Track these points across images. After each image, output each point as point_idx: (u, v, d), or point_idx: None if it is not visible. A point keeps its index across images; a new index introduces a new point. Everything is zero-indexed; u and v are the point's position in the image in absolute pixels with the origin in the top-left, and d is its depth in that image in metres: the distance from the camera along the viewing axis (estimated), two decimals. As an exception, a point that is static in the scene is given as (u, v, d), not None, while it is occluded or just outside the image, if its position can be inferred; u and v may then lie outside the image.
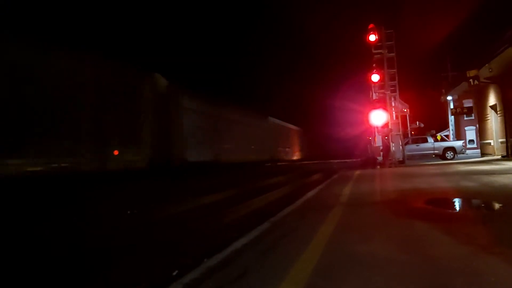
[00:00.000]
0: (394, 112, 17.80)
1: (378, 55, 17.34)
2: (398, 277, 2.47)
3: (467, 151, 21.94)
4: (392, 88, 17.62)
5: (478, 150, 22.16)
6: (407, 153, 18.85)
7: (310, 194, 7.65)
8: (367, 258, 2.90)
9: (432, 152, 20.43)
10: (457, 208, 5.47)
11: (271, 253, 3.27)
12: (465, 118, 25.16)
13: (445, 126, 27.83)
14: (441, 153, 20.09)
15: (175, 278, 2.90)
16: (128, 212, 6.98)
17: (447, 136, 26.05)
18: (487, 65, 16.79)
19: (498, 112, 17.83)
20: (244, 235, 4.00)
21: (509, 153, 16.12)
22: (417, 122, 25.31)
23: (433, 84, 30.28)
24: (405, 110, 20.84)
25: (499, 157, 16.84)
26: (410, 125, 23.81)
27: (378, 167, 16.73)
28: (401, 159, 17.69)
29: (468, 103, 24.19)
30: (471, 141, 24.62)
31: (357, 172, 14.05)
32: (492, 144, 19.27)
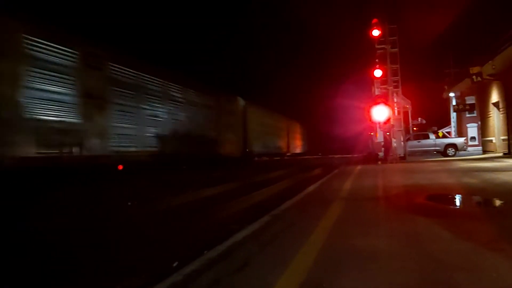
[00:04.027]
0: (396, 108, 17.75)
1: (381, 50, 17.25)
2: (399, 271, 2.47)
3: (469, 148, 21.90)
4: (395, 84, 17.55)
5: (480, 147, 22.13)
6: (408, 149, 18.80)
7: (311, 188, 7.65)
8: (367, 252, 2.90)
9: (434, 148, 20.40)
10: (458, 204, 5.47)
11: (271, 246, 3.28)
12: (467, 115, 25.08)
13: (447, 123, 27.76)
14: (442, 149, 20.06)
15: (175, 269, 2.90)
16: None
17: (448, 132, 25.99)
18: (490, 62, 16.73)
19: (501, 109, 17.77)
20: (244, 227, 4.00)
21: (511, 150, 16.08)
22: (419, 118, 25.24)
23: (435, 80, 30.17)
24: (407, 106, 20.78)
25: (501, 154, 16.80)
26: (412, 121, 23.75)
27: (379, 162, 16.71)
28: (402, 155, 17.66)
29: (470, 100, 24.11)
30: (473, 138, 24.57)
31: (358, 167, 14.05)
32: (494, 141, 19.24)
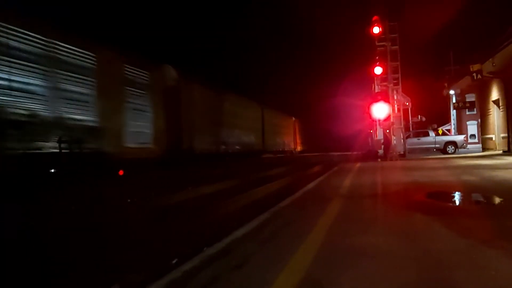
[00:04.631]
0: (396, 105, 17.74)
1: (381, 48, 17.23)
2: (398, 269, 2.47)
3: (468, 146, 21.89)
4: (395, 81, 17.53)
5: (479, 145, 22.12)
6: (408, 146, 18.81)
7: (310, 185, 7.64)
8: (366, 250, 2.90)
9: (433, 146, 20.39)
10: (458, 201, 5.46)
11: (271, 243, 3.27)
12: (467, 113, 25.01)
13: (447, 120, 27.70)
14: (442, 147, 20.06)
15: (174, 266, 2.90)
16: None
17: (448, 130, 25.94)
18: (490, 59, 16.71)
19: (501, 107, 17.77)
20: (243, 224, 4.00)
21: (511, 148, 16.09)
22: (419, 115, 25.19)
23: (435, 78, 30.09)
24: (407, 103, 20.75)
25: (501, 152, 16.81)
26: (411, 119, 23.74)
27: (379, 160, 16.72)
28: (402, 152, 17.67)
29: (470, 97, 24.07)
30: (473, 135, 24.54)
31: (358, 164, 14.04)
32: (493, 139, 19.24)
